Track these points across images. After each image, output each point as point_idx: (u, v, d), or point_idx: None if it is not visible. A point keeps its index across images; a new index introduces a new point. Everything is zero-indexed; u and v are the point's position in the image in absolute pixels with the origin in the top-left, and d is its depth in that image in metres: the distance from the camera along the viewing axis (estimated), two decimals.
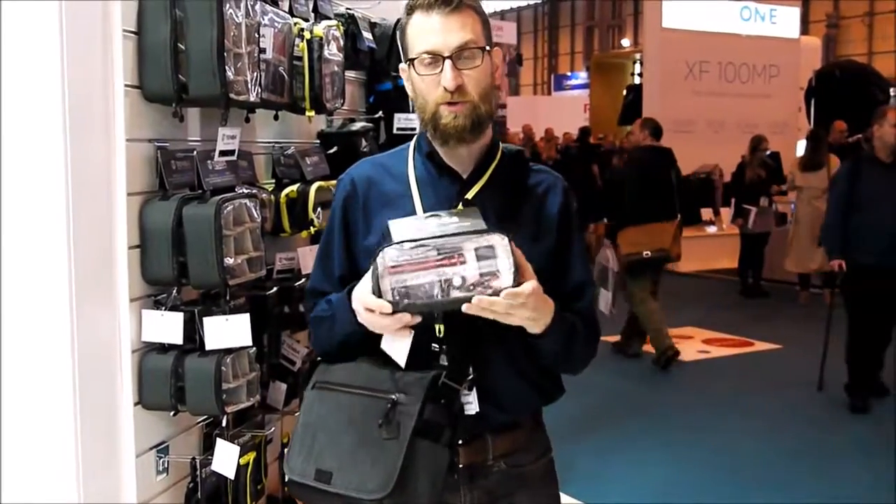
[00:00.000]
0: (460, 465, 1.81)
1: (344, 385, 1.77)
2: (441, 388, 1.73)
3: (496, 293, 1.60)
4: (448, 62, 1.72)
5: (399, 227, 1.67)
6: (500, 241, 1.62)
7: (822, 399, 6.32)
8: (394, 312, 1.62)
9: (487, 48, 1.77)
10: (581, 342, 1.85)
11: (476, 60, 1.75)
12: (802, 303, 9.84)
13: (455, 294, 1.61)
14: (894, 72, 22.39)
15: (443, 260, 1.61)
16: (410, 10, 1.77)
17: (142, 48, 2.13)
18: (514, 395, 1.84)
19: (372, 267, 1.63)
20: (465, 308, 1.61)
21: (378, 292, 1.62)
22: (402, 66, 1.83)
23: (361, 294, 1.68)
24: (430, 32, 1.74)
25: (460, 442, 1.80)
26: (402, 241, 1.63)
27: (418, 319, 1.65)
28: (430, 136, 1.83)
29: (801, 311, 9.61)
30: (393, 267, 1.62)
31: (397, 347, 1.71)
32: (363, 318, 1.69)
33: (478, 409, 1.77)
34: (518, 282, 1.61)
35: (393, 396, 1.70)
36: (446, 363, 1.75)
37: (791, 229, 9.74)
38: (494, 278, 1.61)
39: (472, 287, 1.61)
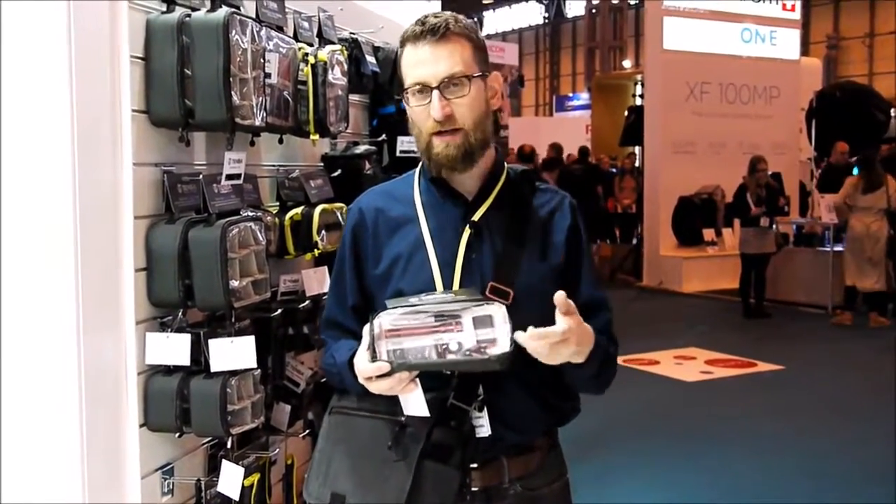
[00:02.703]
0: (475, 489, 1.81)
1: (357, 409, 1.79)
2: (450, 410, 1.73)
3: (493, 358, 1.60)
4: (436, 92, 1.73)
5: (397, 303, 1.68)
6: (497, 311, 1.62)
7: (826, 420, 6.31)
8: (391, 373, 1.62)
9: (479, 74, 1.78)
10: (612, 363, 1.86)
11: (464, 89, 1.75)
12: (847, 324, 9.74)
13: (451, 357, 1.61)
14: (895, 92, 22.44)
15: (439, 326, 1.62)
16: (402, 43, 1.80)
17: (149, 74, 2.16)
18: (525, 415, 1.84)
19: (368, 331, 1.63)
20: (517, 337, 1.61)
21: (374, 355, 1.62)
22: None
23: (359, 363, 1.68)
24: (418, 63, 1.76)
25: (475, 465, 1.80)
26: (399, 306, 1.64)
27: (416, 373, 1.65)
28: (426, 166, 1.85)
29: (804, 332, 9.60)
30: (390, 331, 1.63)
31: (412, 403, 1.70)
32: (368, 387, 1.69)
33: (490, 431, 1.78)
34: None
35: (402, 418, 1.71)
36: (455, 384, 1.76)
37: (848, 247, 9.73)
38: (492, 345, 1.61)
39: (468, 353, 1.61)
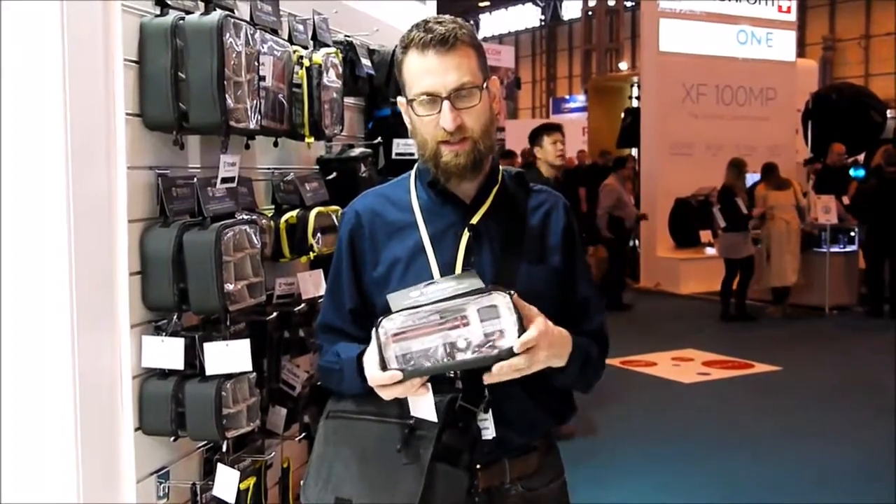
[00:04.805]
0: (479, 489, 1.81)
1: (357, 413, 1.78)
2: (458, 411, 1.73)
3: (502, 352, 1.59)
4: (446, 103, 1.72)
5: (397, 298, 1.67)
6: (502, 300, 1.60)
7: (823, 420, 6.31)
8: (403, 381, 1.61)
9: (485, 83, 1.78)
10: (595, 364, 1.87)
11: (474, 99, 1.75)
12: (777, 316, 10.31)
13: (460, 357, 1.60)
14: (892, 94, 22.47)
15: (445, 323, 1.60)
16: (405, 47, 1.77)
17: (143, 77, 2.16)
18: (527, 416, 1.85)
19: (374, 338, 1.62)
20: (486, 379, 1.62)
21: (383, 363, 1.61)
22: (401, 99, 1.83)
23: (370, 371, 1.67)
24: (426, 73, 1.73)
25: (479, 465, 1.80)
26: (402, 310, 1.62)
27: (427, 378, 1.64)
28: (431, 173, 1.83)
29: (800, 333, 9.60)
30: (396, 335, 1.61)
31: (422, 407, 1.69)
32: (380, 393, 1.68)
33: (494, 433, 1.78)
34: (523, 332, 1.59)
35: (410, 421, 1.71)
36: (461, 386, 1.75)
37: (774, 246, 10.06)
38: (500, 337, 1.60)
39: (477, 348, 1.59)
